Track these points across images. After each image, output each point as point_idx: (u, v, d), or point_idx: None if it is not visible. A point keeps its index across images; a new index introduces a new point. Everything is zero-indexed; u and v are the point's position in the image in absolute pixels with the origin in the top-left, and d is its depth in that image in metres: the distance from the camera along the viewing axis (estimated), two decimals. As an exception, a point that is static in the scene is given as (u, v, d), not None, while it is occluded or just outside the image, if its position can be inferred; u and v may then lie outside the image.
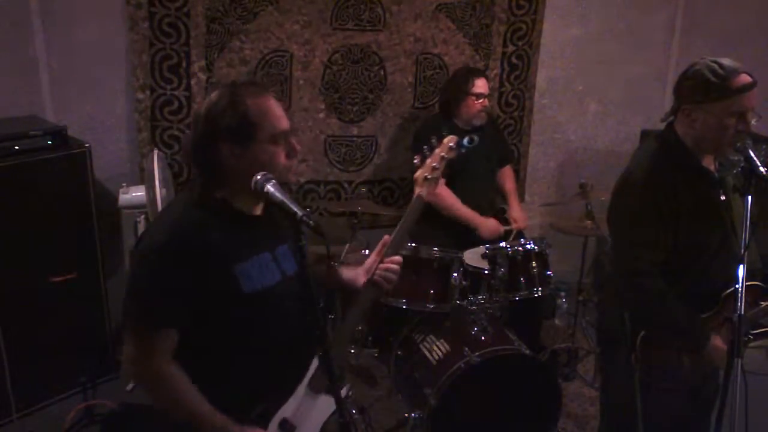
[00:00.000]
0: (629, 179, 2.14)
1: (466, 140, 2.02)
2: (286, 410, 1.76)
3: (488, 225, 3.51)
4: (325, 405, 1.80)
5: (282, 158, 1.65)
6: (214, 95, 1.64)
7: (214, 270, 1.59)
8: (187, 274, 1.56)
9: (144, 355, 1.62)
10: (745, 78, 1.99)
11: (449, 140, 2.01)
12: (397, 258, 1.92)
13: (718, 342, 2.07)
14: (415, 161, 2.03)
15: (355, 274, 1.92)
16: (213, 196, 1.66)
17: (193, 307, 1.58)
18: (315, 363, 1.79)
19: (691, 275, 2.10)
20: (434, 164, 1.97)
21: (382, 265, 1.89)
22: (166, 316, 1.59)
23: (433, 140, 2.02)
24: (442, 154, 1.98)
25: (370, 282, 1.88)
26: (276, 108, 1.66)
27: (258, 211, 1.73)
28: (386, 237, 1.94)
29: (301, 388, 1.78)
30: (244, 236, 1.68)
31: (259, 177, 1.57)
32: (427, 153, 2.01)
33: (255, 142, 1.61)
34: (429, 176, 1.97)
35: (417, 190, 1.97)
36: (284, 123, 1.66)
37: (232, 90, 1.64)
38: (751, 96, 2.00)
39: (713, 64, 2.02)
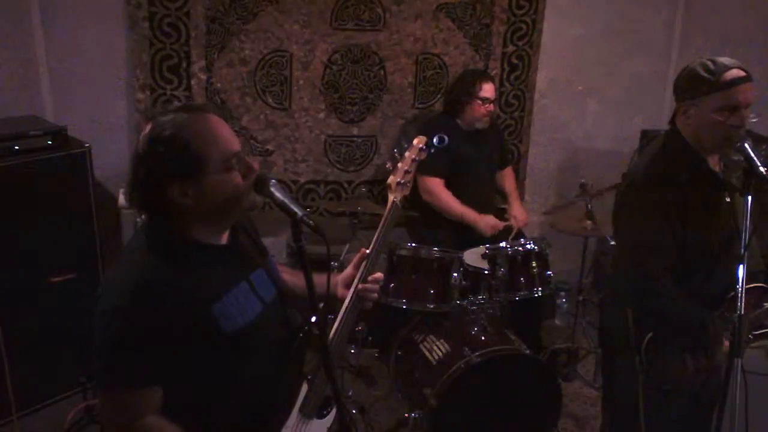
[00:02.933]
0: (634, 181, 2.12)
1: (435, 140, 1.98)
2: None
3: (486, 221, 3.49)
4: (319, 429, 1.74)
5: (240, 181, 1.51)
6: (149, 131, 1.48)
7: (190, 315, 1.46)
8: (159, 329, 1.43)
9: (129, 418, 1.47)
10: (735, 72, 1.97)
11: (418, 142, 1.97)
12: (379, 275, 1.85)
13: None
14: (387, 166, 1.98)
15: (332, 284, 1.78)
16: (171, 236, 1.53)
17: (173, 358, 1.45)
18: (304, 388, 1.71)
19: (696, 277, 2.09)
20: (406, 168, 1.94)
21: (367, 286, 1.81)
22: (146, 373, 1.46)
23: (404, 144, 1.98)
24: (413, 156, 1.95)
25: (353, 301, 1.79)
26: (221, 129, 1.51)
27: (224, 239, 1.60)
28: (363, 250, 1.84)
29: (293, 417, 1.69)
30: (215, 271, 1.55)
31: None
32: (398, 157, 1.96)
33: (206, 174, 1.47)
34: (402, 181, 1.93)
35: (391, 197, 1.92)
36: (233, 144, 1.51)
37: (167, 121, 1.47)
38: (744, 90, 1.97)
39: (707, 62, 2.01)
